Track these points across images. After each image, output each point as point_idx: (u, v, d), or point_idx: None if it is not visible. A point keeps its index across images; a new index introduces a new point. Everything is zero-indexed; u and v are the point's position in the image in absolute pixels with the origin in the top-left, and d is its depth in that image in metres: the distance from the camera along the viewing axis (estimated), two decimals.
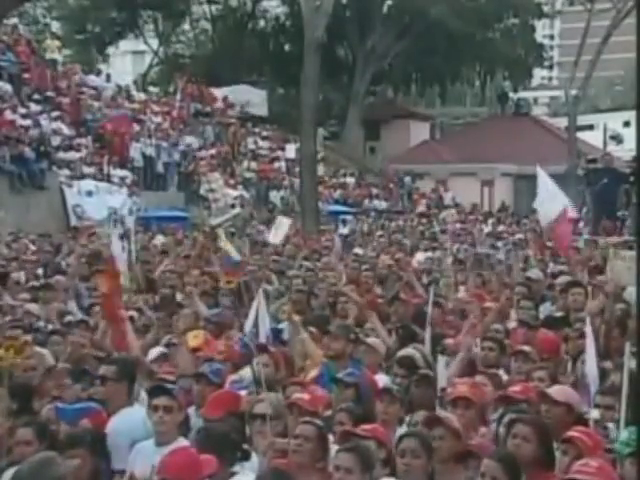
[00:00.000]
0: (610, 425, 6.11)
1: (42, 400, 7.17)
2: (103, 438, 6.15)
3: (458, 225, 30.20)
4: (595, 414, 6.30)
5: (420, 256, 17.10)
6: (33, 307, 10.77)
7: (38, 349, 8.49)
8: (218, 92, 43.02)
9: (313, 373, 8.01)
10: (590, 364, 6.82)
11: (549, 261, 14.99)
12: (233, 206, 28.56)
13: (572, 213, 12.44)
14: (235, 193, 32.05)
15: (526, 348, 7.69)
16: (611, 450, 5.57)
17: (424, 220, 32.81)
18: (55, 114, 29.64)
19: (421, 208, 40.41)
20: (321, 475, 5.52)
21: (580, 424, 5.87)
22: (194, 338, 8.62)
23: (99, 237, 18.31)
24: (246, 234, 22.10)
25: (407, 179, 45.24)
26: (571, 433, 5.46)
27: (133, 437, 6.35)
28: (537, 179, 12.37)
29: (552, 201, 11.97)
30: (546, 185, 12.22)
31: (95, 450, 5.81)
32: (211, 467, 5.32)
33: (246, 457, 5.83)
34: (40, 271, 14.73)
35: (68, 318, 10.20)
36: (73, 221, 25.72)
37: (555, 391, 6.30)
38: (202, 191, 30.98)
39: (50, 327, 9.96)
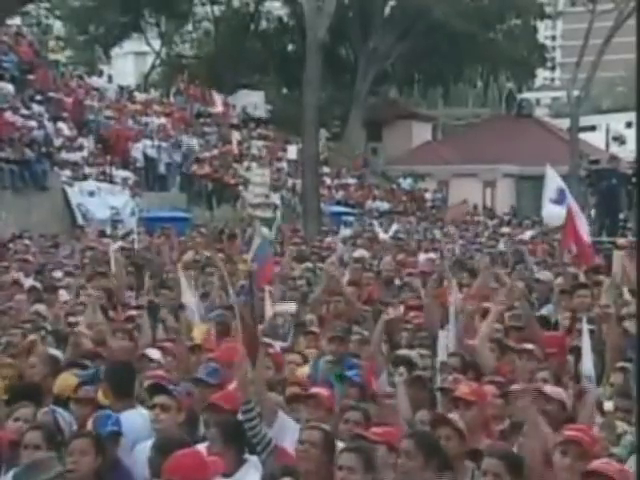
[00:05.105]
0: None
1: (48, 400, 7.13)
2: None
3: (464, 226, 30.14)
4: (609, 406, 6.30)
5: (421, 257, 17.05)
6: (42, 308, 10.75)
7: (49, 349, 8.47)
8: (218, 98, 42.99)
9: (304, 371, 8.02)
10: (586, 363, 6.80)
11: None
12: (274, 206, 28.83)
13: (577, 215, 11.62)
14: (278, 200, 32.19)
15: (530, 346, 7.67)
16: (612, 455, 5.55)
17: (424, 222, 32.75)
18: (57, 115, 29.64)
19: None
20: (327, 475, 5.50)
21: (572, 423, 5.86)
22: (199, 332, 8.73)
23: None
24: (248, 237, 21.99)
25: (408, 180, 45.26)
26: (571, 433, 5.41)
27: (136, 439, 6.31)
28: (544, 179, 11.64)
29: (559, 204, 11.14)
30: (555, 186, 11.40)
31: (100, 447, 5.69)
32: (218, 468, 5.30)
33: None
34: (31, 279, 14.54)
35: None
36: (79, 220, 25.70)
37: (550, 389, 6.37)
38: (251, 176, 30.96)
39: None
